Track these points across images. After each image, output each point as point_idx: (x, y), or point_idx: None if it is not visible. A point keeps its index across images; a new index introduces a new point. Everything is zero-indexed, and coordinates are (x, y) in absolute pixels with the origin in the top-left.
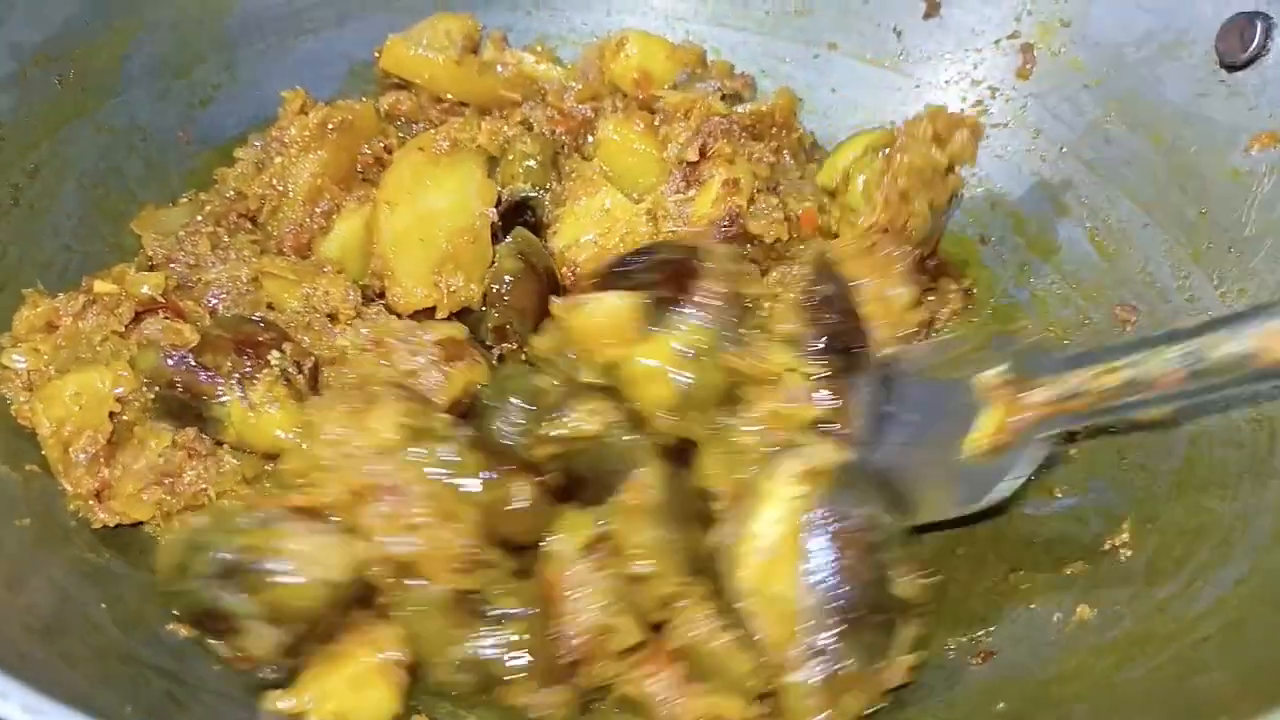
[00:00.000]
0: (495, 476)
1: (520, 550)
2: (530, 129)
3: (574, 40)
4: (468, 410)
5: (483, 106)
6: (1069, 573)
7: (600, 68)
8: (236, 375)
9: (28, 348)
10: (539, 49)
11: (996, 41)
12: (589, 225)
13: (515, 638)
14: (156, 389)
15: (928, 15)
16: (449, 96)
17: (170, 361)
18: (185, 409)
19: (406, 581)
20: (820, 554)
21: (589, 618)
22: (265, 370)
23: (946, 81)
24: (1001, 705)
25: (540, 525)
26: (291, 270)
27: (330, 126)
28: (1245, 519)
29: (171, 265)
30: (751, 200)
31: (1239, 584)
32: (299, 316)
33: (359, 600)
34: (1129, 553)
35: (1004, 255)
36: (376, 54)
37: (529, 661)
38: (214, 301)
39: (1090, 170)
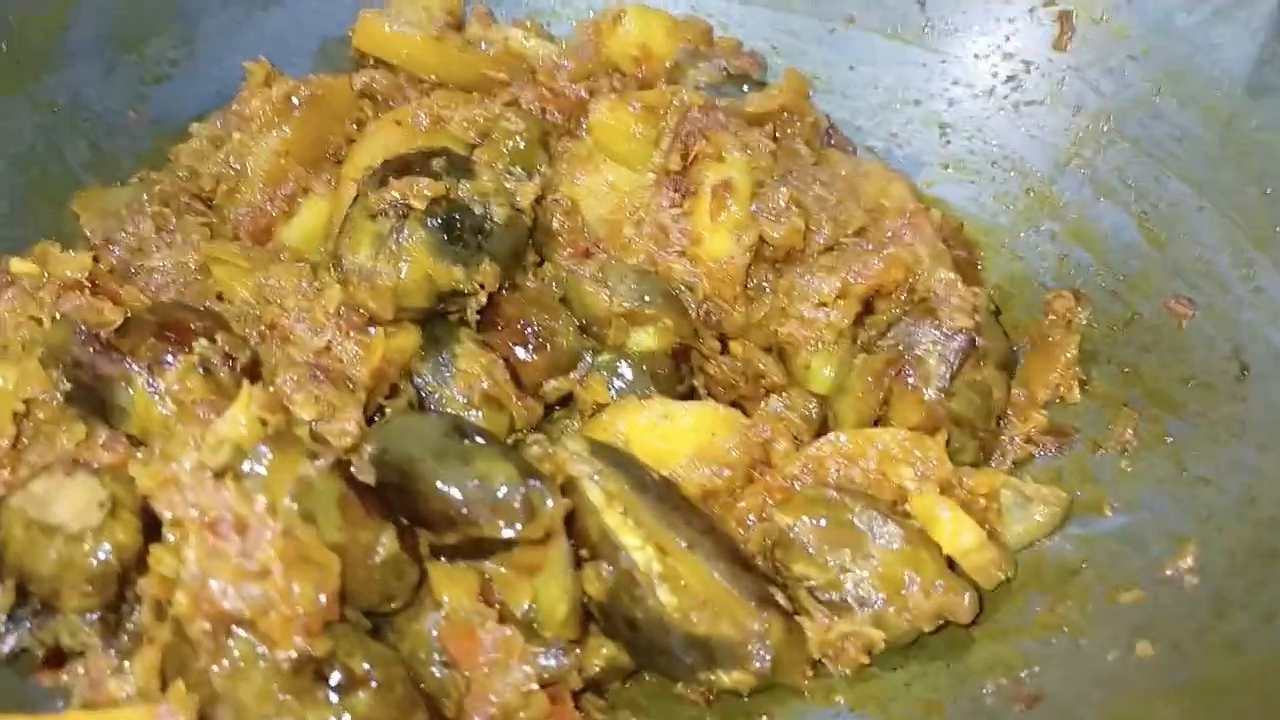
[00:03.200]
0: (356, 518)
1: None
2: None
3: (568, 15)
4: (396, 389)
5: (466, 87)
6: (1124, 602)
7: (596, 45)
8: (148, 361)
9: None
10: (529, 24)
11: (1031, 10)
12: (595, 203)
13: (366, 711)
14: (67, 378)
15: None
16: (430, 77)
17: (81, 340)
18: (91, 396)
19: (230, 639)
20: (688, 532)
21: (509, 690)
22: (183, 358)
23: (975, 56)
24: None
25: (399, 586)
26: (244, 257)
27: (296, 101)
28: None
29: (111, 249)
30: (754, 196)
31: None
32: (250, 308)
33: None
34: (1194, 579)
35: (1040, 245)
36: (350, 31)
37: None
38: (157, 289)
39: (1136, 149)
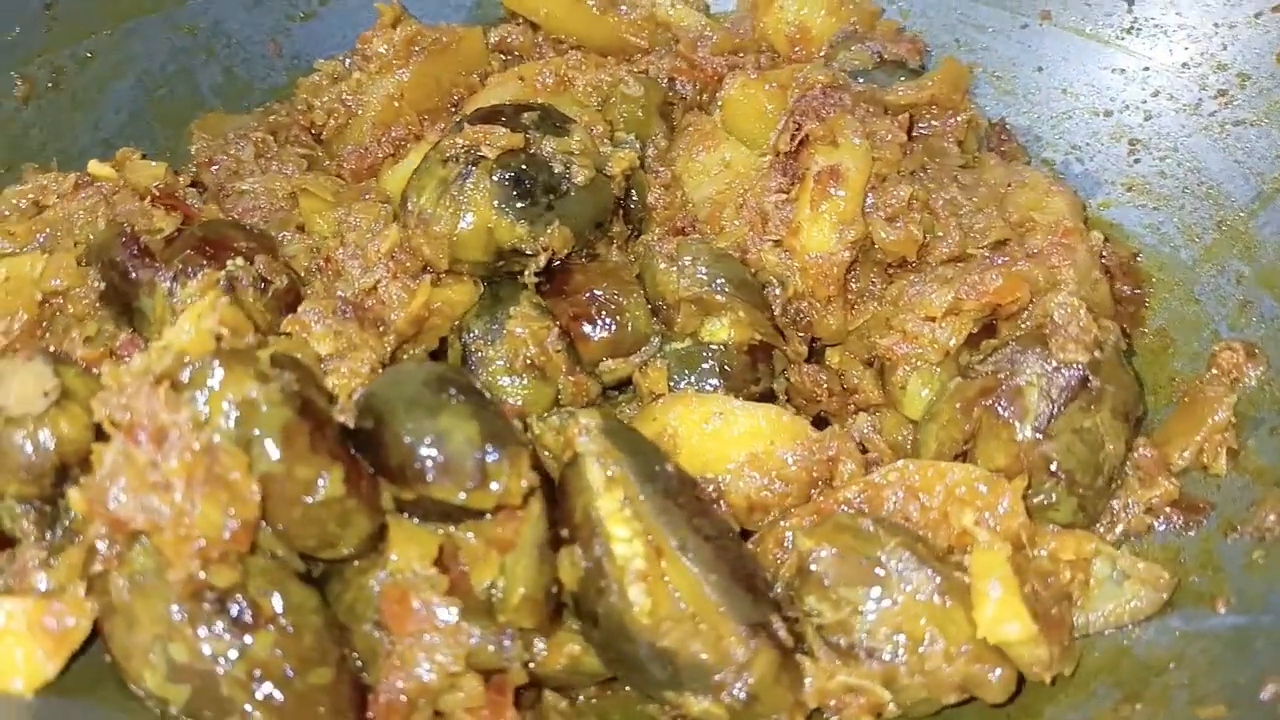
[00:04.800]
0: (298, 450)
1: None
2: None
3: None
4: (442, 346)
5: (604, 51)
6: (1202, 718)
7: (754, 19)
8: (176, 270)
9: (3, 229)
10: None
11: (1257, 15)
12: (707, 181)
13: (264, 653)
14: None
15: None
16: (569, 37)
17: (123, 242)
18: (120, 297)
19: (131, 550)
20: (686, 535)
21: (432, 671)
22: (208, 272)
23: (1184, 65)
24: None
25: (341, 533)
26: (330, 191)
27: (418, 47)
28: None
29: (212, 169)
30: (870, 189)
31: None
32: (328, 242)
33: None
34: None
35: (1222, 287)
36: None
37: (275, 695)
38: (243, 212)
39: None
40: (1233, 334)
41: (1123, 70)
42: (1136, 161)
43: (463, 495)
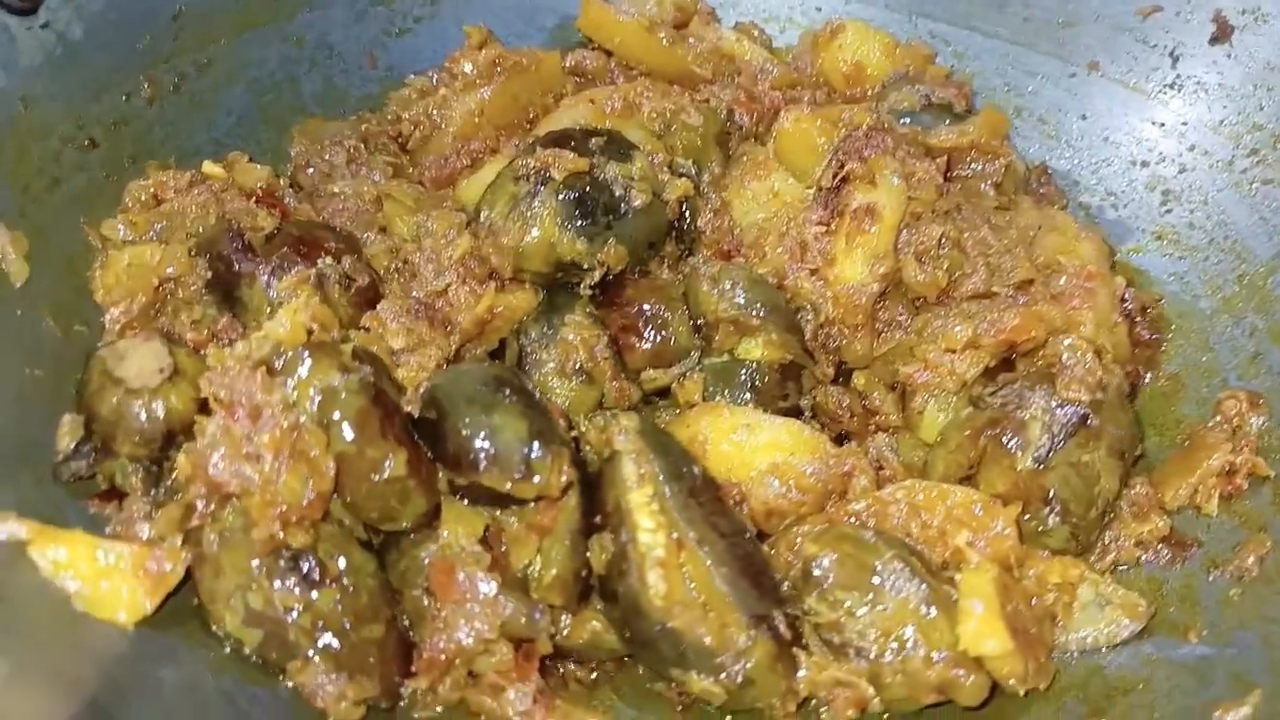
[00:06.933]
0: (369, 434)
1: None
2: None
3: (806, 24)
4: (502, 347)
5: (671, 79)
6: None
7: (813, 56)
8: (273, 266)
9: (126, 219)
10: (751, 28)
11: None
12: (755, 208)
13: (327, 607)
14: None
15: (1216, 40)
16: (640, 65)
17: (230, 238)
18: (224, 286)
19: (223, 510)
20: (705, 530)
21: (470, 635)
22: (301, 269)
23: (1220, 122)
24: None
25: (401, 509)
26: (412, 198)
27: (500, 68)
28: None
29: (308, 171)
30: (903, 226)
31: None
32: (406, 244)
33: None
34: None
35: (1236, 339)
36: None
37: (334, 644)
38: (332, 213)
39: None
40: (1241, 384)
41: (1162, 124)
42: (1168, 212)
43: (509, 485)
